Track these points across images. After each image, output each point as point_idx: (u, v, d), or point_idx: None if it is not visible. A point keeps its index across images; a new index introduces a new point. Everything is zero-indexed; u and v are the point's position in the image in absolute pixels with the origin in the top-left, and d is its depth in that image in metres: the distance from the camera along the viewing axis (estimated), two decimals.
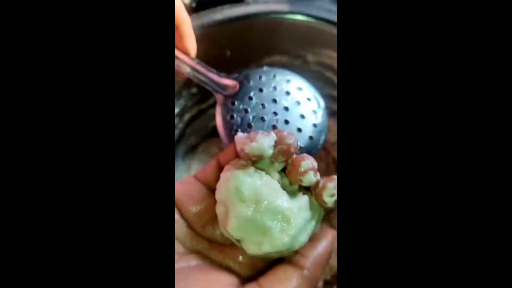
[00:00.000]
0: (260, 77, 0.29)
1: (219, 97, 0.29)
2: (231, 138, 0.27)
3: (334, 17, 0.38)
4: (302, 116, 0.28)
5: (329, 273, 0.43)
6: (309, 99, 0.29)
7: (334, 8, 0.39)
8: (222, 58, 0.42)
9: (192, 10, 0.41)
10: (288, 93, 0.29)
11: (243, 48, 0.41)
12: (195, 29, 0.39)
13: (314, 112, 0.29)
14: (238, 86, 0.29)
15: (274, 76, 0.29)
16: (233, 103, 0.28)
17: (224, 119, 0.28)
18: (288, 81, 0.29)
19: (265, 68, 0.30)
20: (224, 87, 0.30)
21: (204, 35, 0.39)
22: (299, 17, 0.39)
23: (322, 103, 0.30)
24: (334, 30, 0.39)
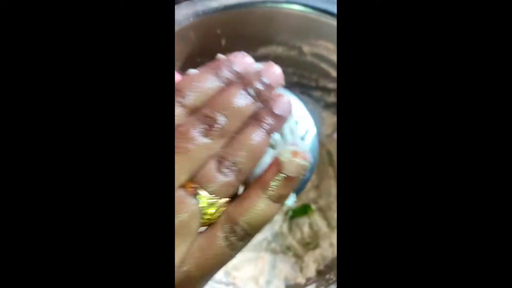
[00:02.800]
0: None
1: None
2: None
3: (331, 8, 0.38)
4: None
5: (322, 263, 0.43)
6: (296, 122, 0.24)
7: None
8: (217, 47, 0.41)
9: None
10: None
11: (238, 37, 0.41)
12: (189, 17, 0.38)
13: (302, 138, 0.24)
14: None
15: None
16: None
17: None
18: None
19: None
20: None
21: (199, 24, 0.38)
22: (295, 7, 0.39)
23: (313, 127, 0.24)
24: (330, 20, 0.38)
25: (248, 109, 0.21)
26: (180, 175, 0.19)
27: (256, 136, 0.20)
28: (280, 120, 0.21)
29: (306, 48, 0.42)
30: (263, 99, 0.21)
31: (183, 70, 0.42)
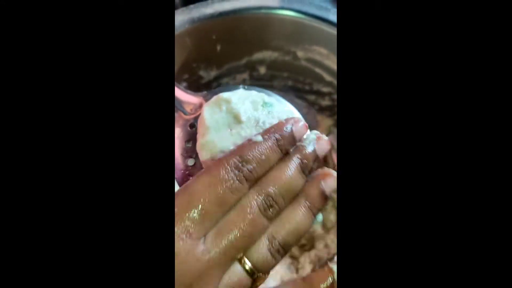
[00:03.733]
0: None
1: (177, 116, 0.25)
2: (186, 166, 0.24)
3: (325, 14, 0.39)
4: None
5: (318, 264, 0.43)
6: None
7: (325, 4, 0.39)
8: (212, 53, 0.42)
9: (182, 4, 0.41)
10: (263, 122, 0.23)
11: (233, 43, 0.41)
12: (185, 23, 0.38)
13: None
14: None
15: (250, 99, 0.24)
16: (192, 126, 0.25)
17: (180, 143, 0.24)
18: (265, 105, 0.24)
19: (241, 89, 0.25)
20: (185, 104, 0.25)
21: (194, 30, 0.38)
22: (289, 13, 0.39)
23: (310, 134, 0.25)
24: (324, 26, 0.39)
25: (301, 184, 0.22)
26: (238, 252, 0.20)
27: (304, 217, 0.22)
28: (326, 200, 0.23)
29: (300, 53, 0.43)
30: (312, 172, 0.23)
31: (179, 75, 0.42)
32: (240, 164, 0.21)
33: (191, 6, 0.39)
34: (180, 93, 0.26)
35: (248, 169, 0.21)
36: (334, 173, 0.23)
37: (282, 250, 0.21)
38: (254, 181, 0.21)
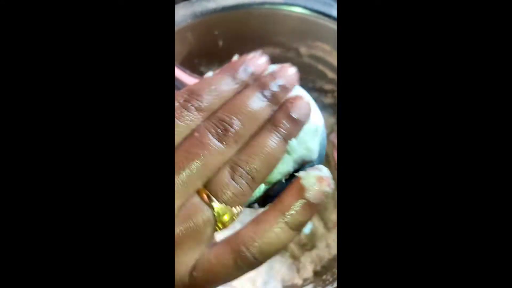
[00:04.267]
0: None
1: None
2: None
3: (329, 10, 0.38)
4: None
5: (319, 264, 0.43)
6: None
7: (329, 0, 0.39)
8: (214, 48, 0.42)
9: None
10: None
11: (236, 38, 0.41)
12: (187, 17, 0.38)
13: (314, 132, 0.23)
14: None
15: None
16: None
17: None
18: None
19: None
20: None
21: (196, 25, 0.38)
22: (293, 9, 0.39)
23: (322, 120, 0.23)
24: (328, 23, 0.39)
25: (264, 112, 0.20)
26: (195, 181, 0.19)
27: (272, 142, 0.20)
28: (298, 124, 0.21)
29: (303, 50, 0.43)
30: (280, 102, 0.21)
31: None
32: (187, 96, 0.20)
33: (194, 0, 0.39)
34: (186, 77, 0.25)
35: (196, 99, 0.19)
36: (305, 96, 0.21)
37: (247, 177, 0.19)
38: (206, 112, 0.20)
